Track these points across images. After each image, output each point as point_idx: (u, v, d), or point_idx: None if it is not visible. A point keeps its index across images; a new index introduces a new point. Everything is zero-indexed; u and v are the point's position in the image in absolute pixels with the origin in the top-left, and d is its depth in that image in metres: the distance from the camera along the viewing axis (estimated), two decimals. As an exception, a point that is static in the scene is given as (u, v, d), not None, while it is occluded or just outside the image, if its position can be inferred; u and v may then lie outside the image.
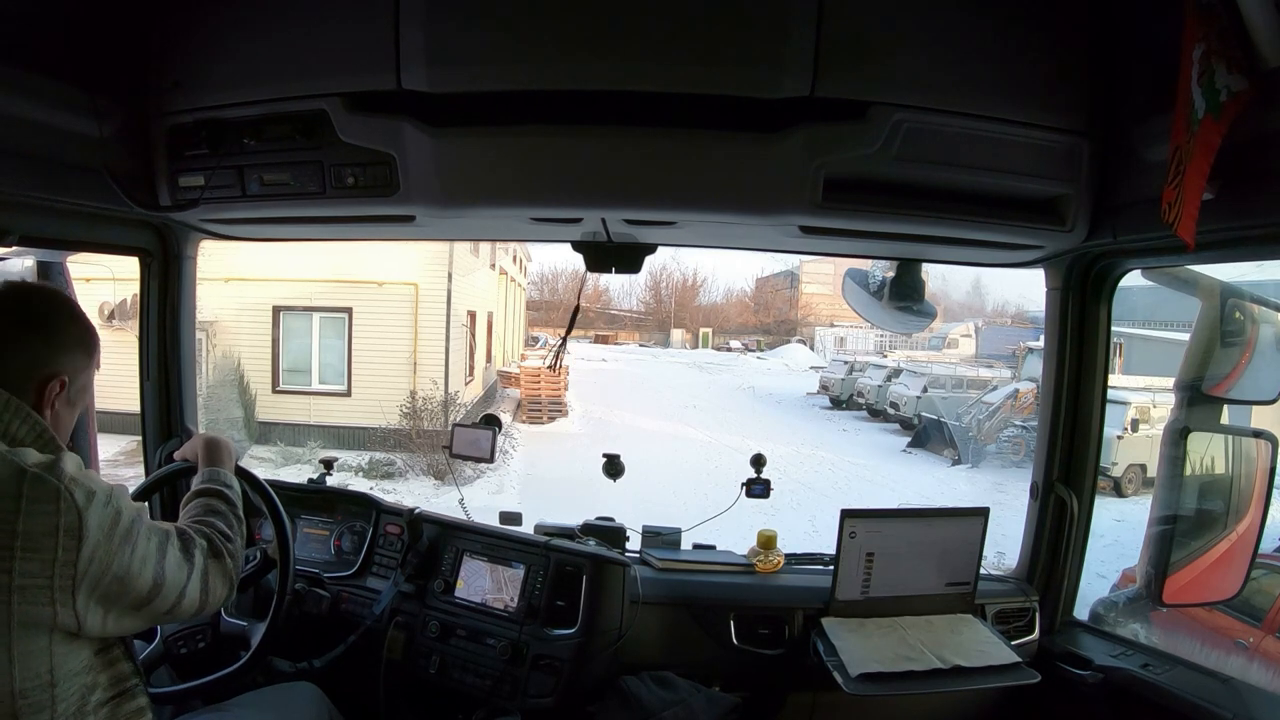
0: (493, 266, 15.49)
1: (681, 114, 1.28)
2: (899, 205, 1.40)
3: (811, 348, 31.26)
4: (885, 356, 20.83)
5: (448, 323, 11.31)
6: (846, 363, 19.85)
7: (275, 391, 11.01)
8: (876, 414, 16.59)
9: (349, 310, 11.09)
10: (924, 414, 14.04)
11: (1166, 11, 1.15)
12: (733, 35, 1.22)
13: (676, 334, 36.20)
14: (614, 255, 1.77)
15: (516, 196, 1.43)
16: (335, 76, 1.34)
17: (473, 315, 13.46)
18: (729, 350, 33.17)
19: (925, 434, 13.47)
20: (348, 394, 11.07)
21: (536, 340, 25.65)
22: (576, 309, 2.02)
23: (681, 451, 11.27)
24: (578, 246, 1.77)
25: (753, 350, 32.97)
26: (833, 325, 31.51)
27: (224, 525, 1.21)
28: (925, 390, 15.12)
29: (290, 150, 1.42)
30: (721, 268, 40.75)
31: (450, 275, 11.37)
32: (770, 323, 37.75)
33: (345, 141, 1.37)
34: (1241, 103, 1.07)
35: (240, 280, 10.31)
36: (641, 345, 33.71)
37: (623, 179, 1.37)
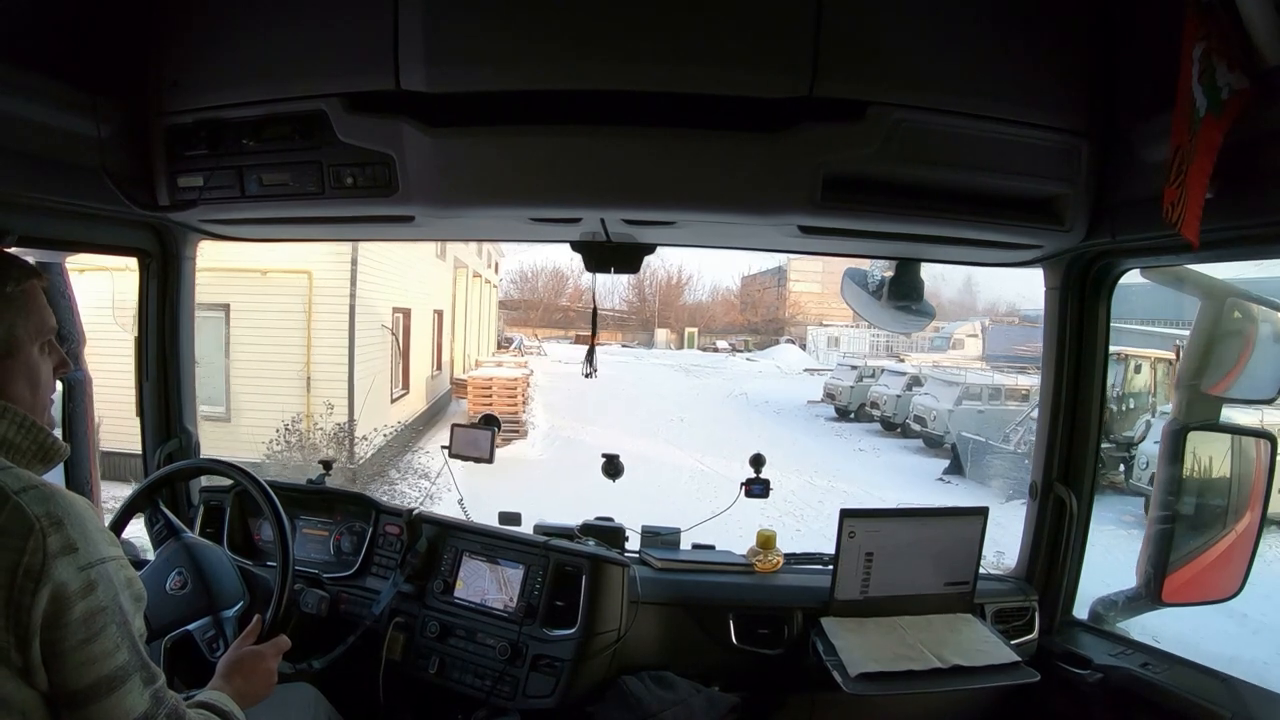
0: (440, 255, 12.90)
1: (681, 114, 1.28)
2: (898, 205, 1.40)
3: (803, 348, 30.19)
4: (901, 360, 18.85)
5: (351, 324, 8.66)
6: (854, 368, 17.36)
7: (139, 414, 7.50)
8: (892, 427, 14.42)
9: (226, 307, 8.15)
10: (964, 434, 11.41)
11: (1165, 11, 1.15)
12: (732, 35, 1.22)
13: (661, 334, 34.96)
14: (613, 255, 1.77)
15: (515, 196, 1.43)
16: (334, 77, 1.34)
17: (405, 314, 11.00)
18: (716, 351, 31.83)
19: (964, 457, 11.00)
20: (227, 419, 8.14)
21: (511, 341, 24.07)
22: (594, 311, 2.03)
23: (667, 484, 8.53)
24: (576, 246, 1.77)
25: (741, 351, 31.74)
26: (823, 324, 30.56)
27: None
28: (959, 402, 12.76)
29: (289, 150, 1.42)
30: (707, 265, 38.71)
31: (355, 262, 8.59)
32: (758, 322, 36.60)
33: (344, 142, 1.37)
34: (1242, 101, 1.07)
35: (95, 270, 7.20)
36: (624, 346, 32.21)
37: (621, 179, 1.37)
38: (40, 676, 0.85)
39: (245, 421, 7.98)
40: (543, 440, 11.78)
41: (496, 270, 23.09)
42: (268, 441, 7.79)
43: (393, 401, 10.41)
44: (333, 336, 8.57)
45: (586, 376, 2.00)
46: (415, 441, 10.13)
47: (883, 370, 16.32)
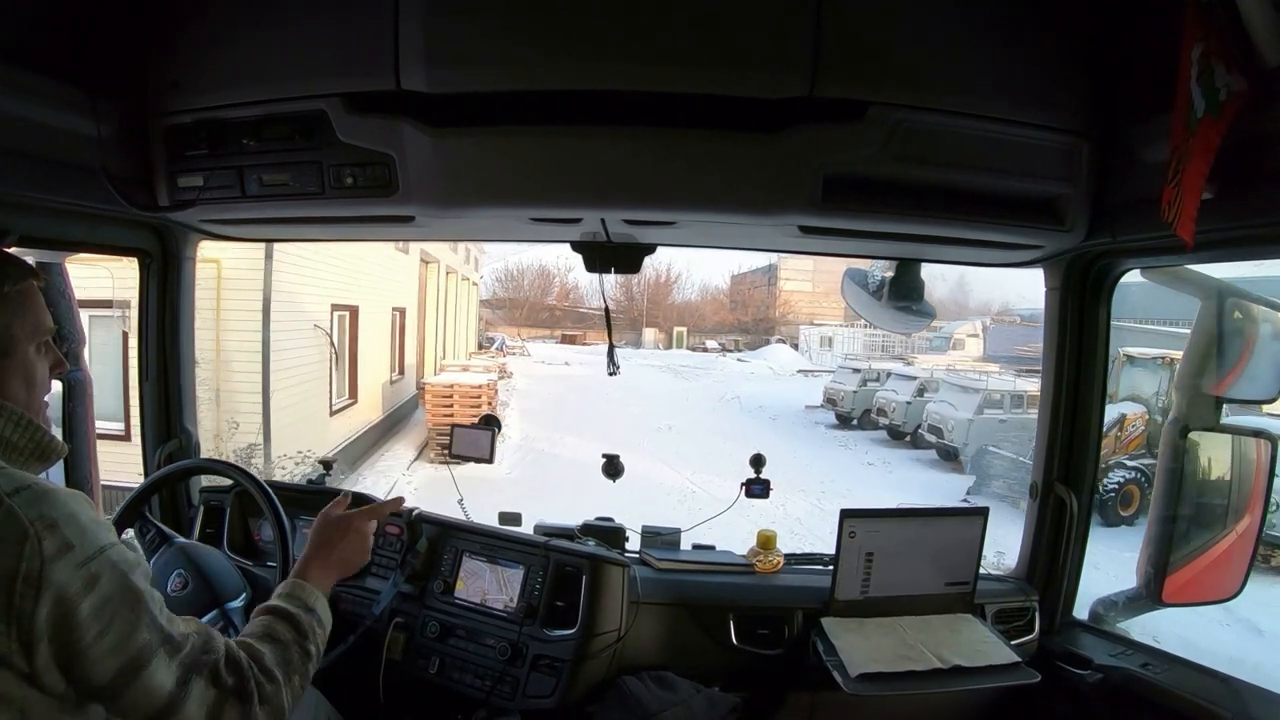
0: (403, 249, 11.83)
1: (681, 114, 1.28)
2: (898, 205, 1.40)
3: (795, 347, 29.66)
4: (909, 363, 17.89)
5: (265, 323, 7.23)
6: (857, 370, 16.09)
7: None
8: (899, 436, 13.49)
9: (125, 305, 6.26)
10: (991, 448, 9.97)
11: (1166, 11, 1.15)
12: (732, 35, 1.22)
13: (649, 333, 34.31)
14: (613, 255, 1.77)
15: (515, 197, 1.43)
16: (334, 77, 1.34)
17: (352, 312, 9.97)
18: (705, 351, 31.21)
19: (990, 476, 9.68)
20: (125, 436, 6.51)
21: (492, 342, 23.22)
22: (607, 311, 2.01)
23: (653, 509, 5.71)
24: (577, 247, 1.77)
25: (731, 351, 31.21)
26: (814, 323, 30.17)
27: (274, 660, 1.00)
28: (980, 411, 11.50)
29: (289, 150, 1.41)
30: (696, 264, 37.94)
31: (270, 256, 7.20)
32: (748, 321, 36.10)
33: (344, 142, 1.37)
34: (1240, 102, 1.07)
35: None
36: (612, 345, 31.37)
37: (622, 179, 1.37)
38: (51, 678, 0.85)
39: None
40: (513, 454, 10.33)
41: (477, 267, 21.97)
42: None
43: (333, 413, 9.07)
44: (245, 339, 7.26)
45: (611, 375, 2.00)
46: (356, 466, 9.19)
47: (889, 374, 15.36)
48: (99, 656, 0.86)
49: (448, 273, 16.33)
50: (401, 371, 12.66)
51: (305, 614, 1.09)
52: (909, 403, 13.49)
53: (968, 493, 9.61)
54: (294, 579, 1.15)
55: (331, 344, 9.11)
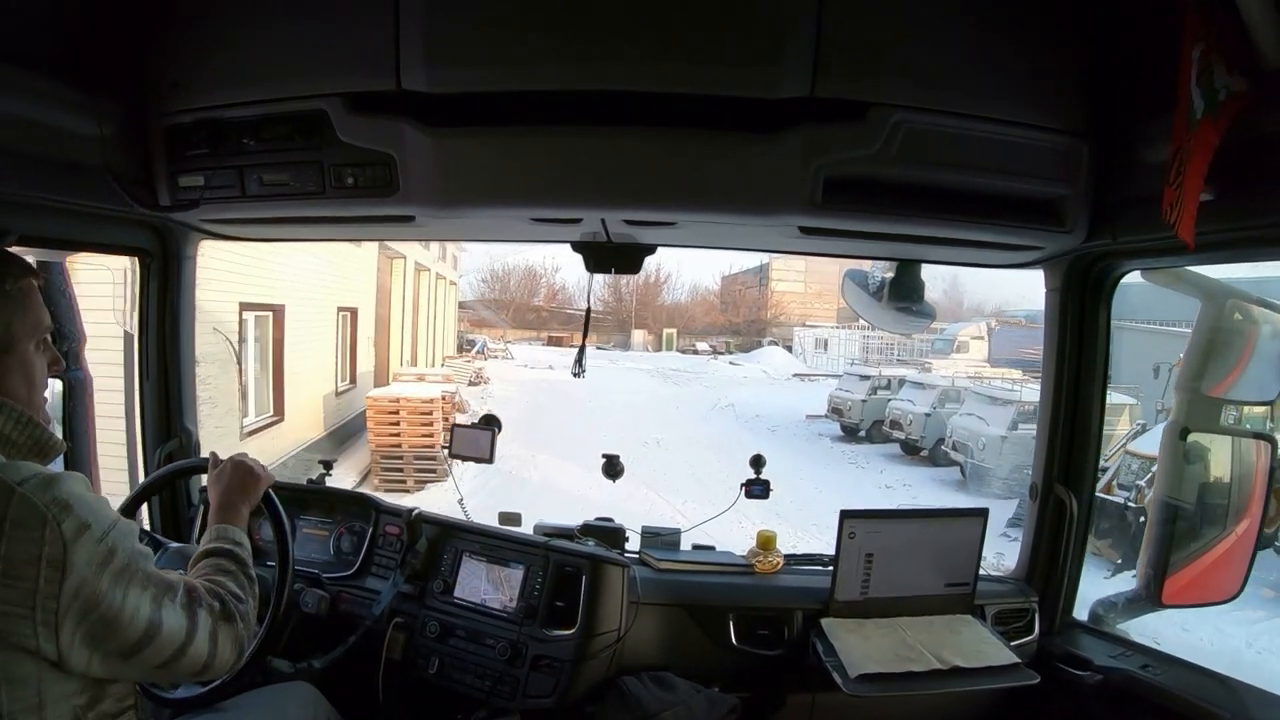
0: (357, 242, 10.06)
1: (681, 114, 1.28)
2: (898, 206, 1.40)
3: (789, 349, 28.94)
4: (926, 369, 16.25)
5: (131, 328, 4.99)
6: (865, 377, 14.44)
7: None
8: (913, 451, 12.12)
9: None
10: (1029, 470, 7.01)
11: (1166, 11, 1.15)
12: (732, 36, 1.22)
13: (638, 335, 33.40)
14: (613, 255, 1.77)
15: (516, 197, 1.43)
16: (335, 77, 1.34)
17: (277, 312, 8.63)
18: (696, 354, 30.26)
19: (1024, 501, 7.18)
20: None
21: (473, 344, 22.34)
22: (588, 313, 2.01)
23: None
24: (577, 247, 1.77)
25: (722, 353, 30.52)
26: (806, 325, 29.50)
27: (235, 586, 1.14)
28: (1015, 426, 10.02)
29: (290, 150, 1.42)
30: (686, 264, 36.97)
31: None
32: (740, 323, 35.19)
33: (345, 142, 1.37)
34: (1240, 103, 1.07)
35: None
36: (599, 348, 29.87)
37: (622, 179, 1.37)
38: (78, 656, 0.90)
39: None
40: (474, 478, 7.69)
41: (455, 266, 21.05)
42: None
43: (247, 435, 7.79)
44: (108, 349, 5.46)
45: (575, 376, 2.01)
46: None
47: (902, 381, 13.78)
48: (128, 619, 0.93)
49: (417, 270, 15.08)
50: (354, 380, 11.41)
51: (236, 547, 1.22)
52: (928, 414, 12.08)
53: (1008, 525, 6.90)
54: (214, 526, 1.26)
55: (235, 351, 7.73)
